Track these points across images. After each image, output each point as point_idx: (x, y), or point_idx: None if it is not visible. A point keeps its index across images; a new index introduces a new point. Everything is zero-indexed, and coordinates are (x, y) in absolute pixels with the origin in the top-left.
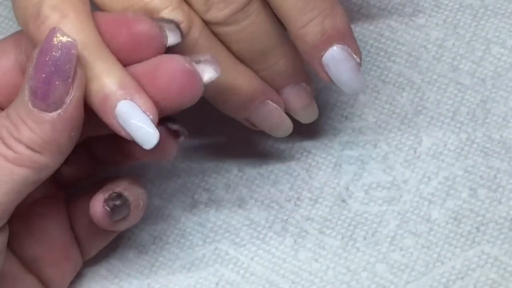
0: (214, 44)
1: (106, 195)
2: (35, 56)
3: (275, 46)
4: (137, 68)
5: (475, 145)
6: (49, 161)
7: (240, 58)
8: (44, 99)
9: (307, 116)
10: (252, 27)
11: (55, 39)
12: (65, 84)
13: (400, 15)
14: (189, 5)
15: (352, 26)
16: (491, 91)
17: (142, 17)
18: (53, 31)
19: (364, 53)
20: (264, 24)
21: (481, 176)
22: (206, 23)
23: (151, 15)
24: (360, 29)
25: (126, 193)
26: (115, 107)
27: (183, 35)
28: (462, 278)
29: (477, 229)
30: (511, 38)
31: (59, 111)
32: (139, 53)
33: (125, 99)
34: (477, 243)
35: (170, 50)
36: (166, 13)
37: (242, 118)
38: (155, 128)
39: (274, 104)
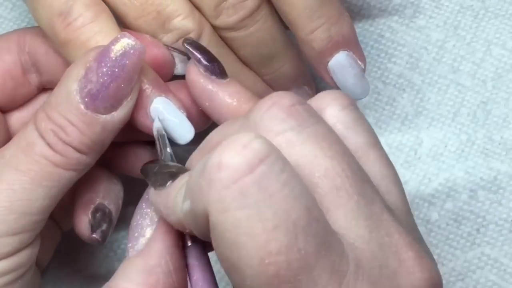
0: (221, 50)
1: (90, 216)
2: (93, 59)
3: (281, 51)
4: None
5: (475, 147)
6: (91, 161)
7: (246, 62)
8: (102, 102)
9: None
10: (259, 33)
11: (126, 43)
12: (128, 87)
13: (400, 16)
14: (199, 10)
15: None
16: (492, 92)
17: (158, 42)
18: (122, 35)
19: (364, 54)
20: (271, 30)
21: (481, 178)
22: (215, 28)
23: (164, 24)
24: (360, 30)
25: (106, 202)
26: (151, 102)
27: None
28: (462, 279)
29: (477, 230)
30: None
31: (113, 113)
32: None
33: (160, 95)
34: (477, 245)
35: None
36: (178, 21)
37: None
38: (191, 124)
39: None
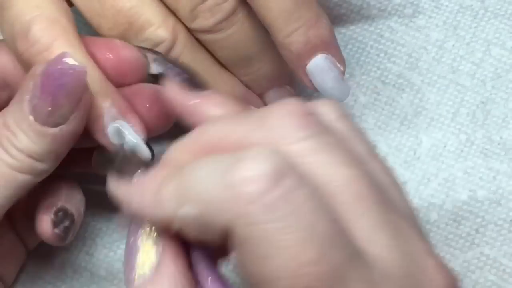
0: (197, 55)
1: (52, 215)
2: (38, 74)
3: (260, 52)
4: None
5: (474, 147)
6: (48, 168)
7: (225, 64)
8: (48, 116)
9: None
10: (237, 35)
11: (66, 64)
12: (71, 105)
13: (400, 16)
14: (175, 13)
15: (352, 27)
16: (491, 92)
17: (129, 45)
18: (63, 55)
19: (364, 54)
20: (249, 32)
21: (480, 178)
22: (192, 31)
23: (137, 34)
24: (360, 30)
25: (68, 206)
26: (107, 126)
27: (165, 65)
28: (462, 279)
29: (477, 230)
30: (511, 39)
31: (62, 126)
32: (123, 78)
33: (118, 118)
34: (477, 245)
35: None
36: (150, 32)
37: None
38: (146, 147)
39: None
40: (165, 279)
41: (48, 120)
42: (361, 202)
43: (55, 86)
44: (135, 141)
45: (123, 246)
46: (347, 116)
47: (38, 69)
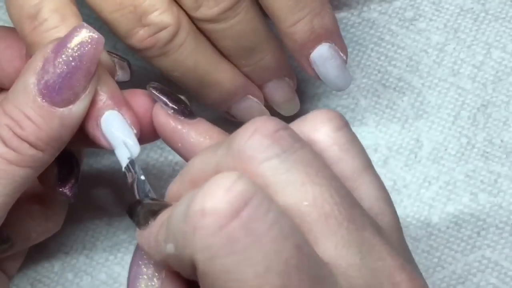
0: (200, 44)
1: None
2: (51, 51)
3: (262, 42)
4: None
5: (475, 150)
6: (49, 158)
7: (226, 54)
8: (60, 94)
9: (289, 109)
10: (240, 25)
11: (85, 34)
12: (86, 79)
13: (400, 19)
14: (179, 2)
15: (353, 30)
16: (492, 95)
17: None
18: (81, 25)
19: (364, 57)
20: (252, 22)
21: (481, 181)
22: (195, 20)
23: (140, 18)
24: (360, 33)
25: (9, 231)
26: (101, 115)
27: (131, 73)
28: (463, 282)
29: (478, 233)
30: None
31: (71, 106)
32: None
33: (113, 109)
34: (478, 248)
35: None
36: (155, 16)
37: (223, 110)
38: (137, 142)
39: (254, 99)
40: None
41: (58, 99)
42: (328, 220)
43: (73, 58)
44: (127, 133)
45: (123, 250)
46: (346, 127)
47: (49, 47)
